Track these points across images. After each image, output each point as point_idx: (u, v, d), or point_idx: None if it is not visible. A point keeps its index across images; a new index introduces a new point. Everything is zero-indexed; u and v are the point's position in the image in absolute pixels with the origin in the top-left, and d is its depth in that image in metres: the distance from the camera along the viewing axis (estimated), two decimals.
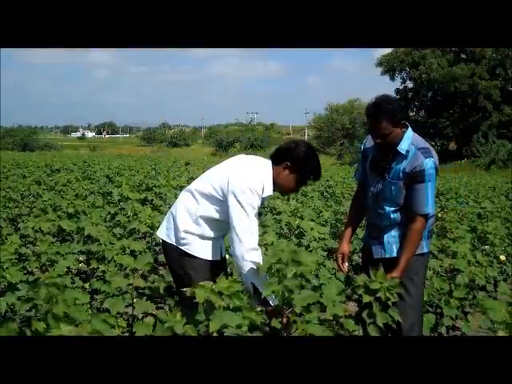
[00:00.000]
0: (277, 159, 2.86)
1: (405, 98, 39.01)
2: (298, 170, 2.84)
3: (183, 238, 2.85)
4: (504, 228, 6.21)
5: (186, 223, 2.85)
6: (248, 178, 2.74)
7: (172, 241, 2.89)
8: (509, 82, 35.50)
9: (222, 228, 2.87)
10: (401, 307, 2.84)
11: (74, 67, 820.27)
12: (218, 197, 2.78)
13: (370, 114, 2.81)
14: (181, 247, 2.85)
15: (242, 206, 2.68)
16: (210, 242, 2.87)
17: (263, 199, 2.81)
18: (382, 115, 2.75)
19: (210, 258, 2.86)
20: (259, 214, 2.96)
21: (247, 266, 2.65)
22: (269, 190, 2.80)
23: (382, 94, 2.91)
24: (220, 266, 2.96)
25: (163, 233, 2.97)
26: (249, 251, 2.65)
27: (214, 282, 2.76)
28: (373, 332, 2.32)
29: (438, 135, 37.82)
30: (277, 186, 2.85)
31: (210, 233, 2.85)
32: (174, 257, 2.92)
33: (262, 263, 2.53)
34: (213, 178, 2.85)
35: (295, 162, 2.82)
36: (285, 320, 2.37)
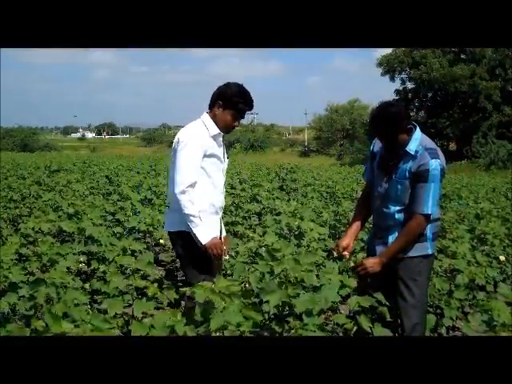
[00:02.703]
0: (211, 104, 3.16)
1: (405, 99, 38.99)
2: (230, 105, 3.09)
3: (179, 221, 3.06)
4: (504, 228, 6.20)
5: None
6: (182, 133, 3.08)
7: (172, 228, 3.17)
8: (509, 82, 35.48)
9: (207, 198, 3.07)
10: (403, 307, 2.85)
11: (75, 67, 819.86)
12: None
13: (374, 124, 2.84)
14: (177, 229, 3.09)
15: (177, 157, 2.99)
16: (205, 219, 3.04)
17: (214, 138, 3.10)
18: (385, 125, 2.78)
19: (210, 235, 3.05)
20: (259, 214, 3.02)
21: (180, 204, 2.95)
22: (213, 130, 3.10)
23: (384, 101, 2.93)
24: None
25: (165, 226, 3.31)
26: (177, 194, 2.94)
27: (212, 261, 3.08)
28: (364, 322, 2.31)
29: (438, 135, 37.75)
30: (219, 125, 3.12)
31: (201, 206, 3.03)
32: (175, 241, 3.19)
33: (189, 202, 2.92)
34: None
35: (225, 98, 3.09)
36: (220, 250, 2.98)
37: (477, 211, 7.60)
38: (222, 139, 3.19)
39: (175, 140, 3.10)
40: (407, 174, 2.81)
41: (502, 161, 30.69)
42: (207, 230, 2.97)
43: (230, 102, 3.08)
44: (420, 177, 2.76)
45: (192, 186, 2.95)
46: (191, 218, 2.94)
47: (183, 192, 2.93)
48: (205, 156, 3.03)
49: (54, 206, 6.61)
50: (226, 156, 3.28)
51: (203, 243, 2.94)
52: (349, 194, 10.33)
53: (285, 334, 2.32)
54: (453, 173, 25.89)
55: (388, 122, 2.76)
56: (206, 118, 3.13)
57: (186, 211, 2.93)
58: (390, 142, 2.83)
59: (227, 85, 3.13)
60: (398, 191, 2.86)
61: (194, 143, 2.99)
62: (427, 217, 2.80)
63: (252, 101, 3.17)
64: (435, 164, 2.75)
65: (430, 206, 2.77)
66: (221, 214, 3.29)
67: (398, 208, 2.88)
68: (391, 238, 2.92)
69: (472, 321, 3.42)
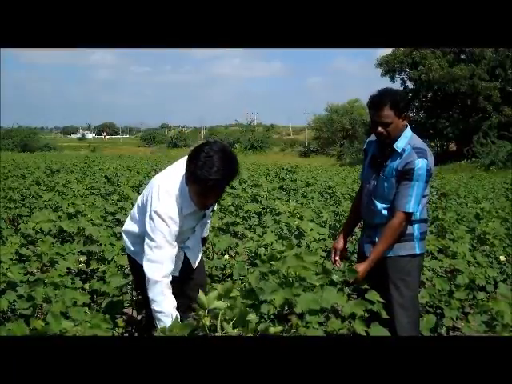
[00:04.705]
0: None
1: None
2: (192, 187, 2.52)
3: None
4: (504, 228, 6.21)
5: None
6: (161, 203, 2.52)
7: (129, 252, 2.89)
8: (508, 82, 35.49)
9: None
10: (392, 307, 2.86)
11: (75, 68, 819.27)
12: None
13: (374, 100, 2.84)
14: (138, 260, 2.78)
15: (152, 234, 2.51)
16: None
17: (189, 215, 2.62)
18: (387, 101, 2.78)
19: None
20: (259, 215, 2.88)
21: (151, 297, 2.49)
22: (187, 209, 2.58)
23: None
24: (193, 280, 2.91)
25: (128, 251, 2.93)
26: (150, 284, 2.49)
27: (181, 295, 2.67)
28: (359, 327, 2.31)
29: (438, 136, 37.84)
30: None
31: None
32: (133, 268, 2.93)
33: (167, 295, 2.41)
34: (144, 192, 2.77)
35: (188, 172, 2.49)
36: None
37: (477, 211, 7.60)
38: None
39: (148, 195, 2.61)
40: (394, 172, 2.84)
41: (501, 161, 30.73)
42: None
43: (191, 178, 2.49)
44: (405, 175, 2.78)
45: (169, 274, 2.53)
46: (162, 316, 2.43)
47: (156, 282, 2.47)
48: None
49: (54, 206, 6.61)
50: (208, 214, 2.88)
51: None
52: (349, 194, 10.33)
53: (285, 334, 2.32)
54: (452, 173, 25.93)
55: (389, 100, 2.77)
56: (183, 192, 2.57)
57: (157, 307, 2.45)
58: (386, 125, 2.80)
59: (194, 153, 2.48)
60: (384, 188, 2.89)
61: (167, 230, 2.50)
62: (409, 215, 2.82)
63: (215, 176, 2.39)
64: (421, 163, 2.76)
65: (412, 205, 2.78)
66: (190, 250, 2.90)
67: (384, 205, 2.91)
68: (379, 237, 2.93)
69: (472, 321, 3.42)
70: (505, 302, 2.30)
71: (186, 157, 2.61)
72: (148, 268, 2.50)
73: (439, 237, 5.47)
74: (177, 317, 2.27)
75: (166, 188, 2.57)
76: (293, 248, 2.55)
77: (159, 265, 2.49)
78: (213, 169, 2.38)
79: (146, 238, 2.55)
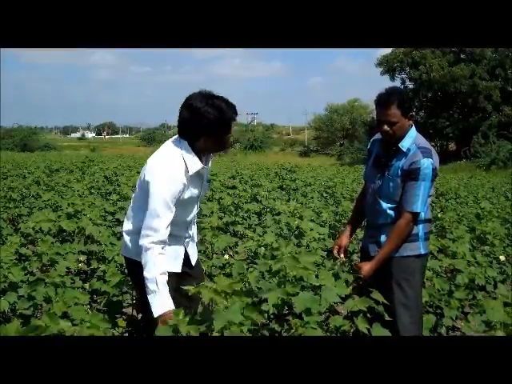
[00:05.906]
0: (190, 136, 2.60)
1: None
2: (216, 135, 2.60)
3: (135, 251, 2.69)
4: (504, 228, 6.21)
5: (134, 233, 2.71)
6: (155, 169, 2.56)
7: (128, 254, 2.78)
8: (508, 82, 35.50)
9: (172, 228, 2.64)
10: (395, 307, 2.85)
11: (75, 68, 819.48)
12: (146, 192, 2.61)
13: (382, 99, 2.83)
14: (134, 258, 2.70)
15: (152, 200, 2.51)
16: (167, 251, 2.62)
17: (196, 174, 2.64)
18: (394, 100, 2.78)
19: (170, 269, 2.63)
20: (259, 214, 2.87)
21: (142, 263, 2.51)
22: (193, 168, 2.60)
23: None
24: (191, 276, 2.82)
25: (122, 250, 2.86)
26: (142, 250, 2.50)
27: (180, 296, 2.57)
28: (361, 324, 2.31)
29: (438, 135, 37.84)
30: (206, 153, 2.71)
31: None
32: (133, 270, 2.80)
33: (156, 262, 2.44)
34: (137, 183, 2.76)
35: (210, 132, 2.57)
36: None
37: (477, 211, 7.60)
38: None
39: (146, 168, 2.61)
40: (399, 172, 2.83)
41: (502, 161, 30.74)
42: (163, 299, 2.46)
43: (216, 134, 2.59)
44: (411, 175, 2.78)
45: (163, 242, 2.53)
46: (148, 282, 2.46)
47: (147, 249, 2.49)
48: (177, 199, 2.59)
49: (54, 206, 6.61)
50: (206, 183, 2.86)
51: (154, 315, 2.45)
52: (349, 194, 10.33)
53: (285, 334, 2.32)
54: (452, 172, 25.94)
55: (396, 99, 2.78)
56: (186, 152, 2.60)
57: (145, 273, 2.47)
58: (392, 124, 2.80)
59: (202, 112, 2.52)
60: (390, 188, 2.88)
61: (168, 192, 2.52)
62: (416, 215, 2.81)
63: (233, 111, 2.59)
64: (427, 163, 2.76)
65: (419, 205, 2.78)
66: (190, 242, 2.89)
67: (390, 205, 2.90)
68: (383, 238, 2.93)
69: (472, 321, 3.42)
70: (498, 301, 2.30)
71: (173, 138, 2.68)
72: (143, 234, 2.51)
73: (439, 236, 5.48)
74: (163, 282, 2.44)
75: (165, 157, 2.61)
76: (288, 245, 2.55)
77: (153, 232, 2.50)
78: (224, 108, 2.53)
79: (149, 202, 2.54)
